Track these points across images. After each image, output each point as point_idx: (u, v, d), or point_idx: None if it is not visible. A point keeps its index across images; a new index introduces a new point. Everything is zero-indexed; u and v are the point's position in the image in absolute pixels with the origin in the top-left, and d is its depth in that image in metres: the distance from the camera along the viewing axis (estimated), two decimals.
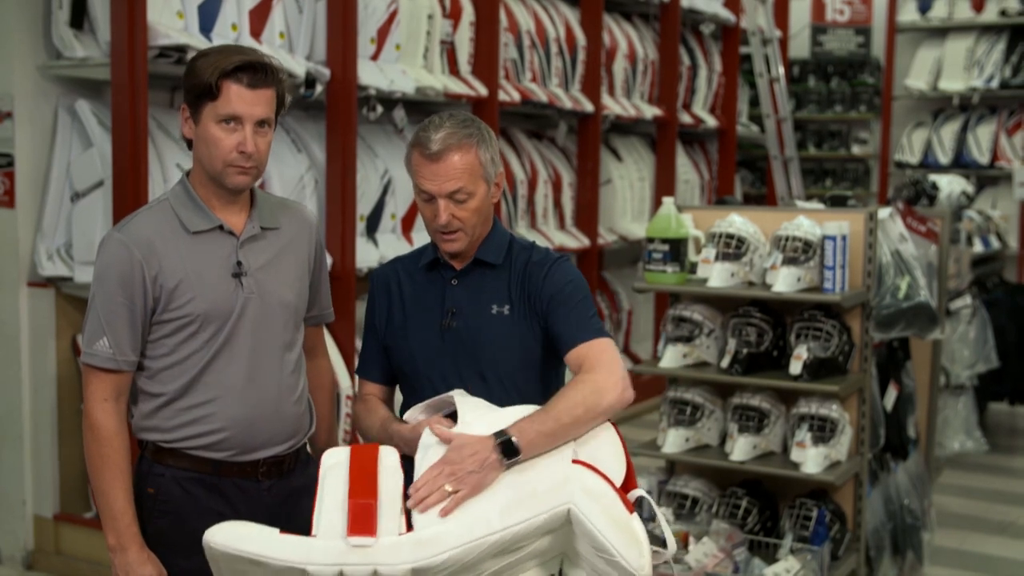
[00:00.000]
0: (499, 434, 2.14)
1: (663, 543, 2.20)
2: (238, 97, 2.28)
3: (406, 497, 2.08)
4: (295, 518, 2.26)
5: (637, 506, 2.16)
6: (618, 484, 2.13)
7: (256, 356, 2.38)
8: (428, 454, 2.16)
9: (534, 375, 2.42)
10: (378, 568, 1.99)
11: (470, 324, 2.41)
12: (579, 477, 2.08)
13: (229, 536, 2.04)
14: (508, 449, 2.13)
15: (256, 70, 2.29)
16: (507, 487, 2.08)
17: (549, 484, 2.07)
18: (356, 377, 2.63)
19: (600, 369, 2.26)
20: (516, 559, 2.10)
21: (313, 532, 2.04)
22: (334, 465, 2.12)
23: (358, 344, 4.77)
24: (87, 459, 2.36)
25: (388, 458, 2.13)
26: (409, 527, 2.05)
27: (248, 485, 2.40)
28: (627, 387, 2.26)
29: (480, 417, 2.23)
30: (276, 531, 2.05)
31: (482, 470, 2.10)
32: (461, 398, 2.28)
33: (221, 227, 2.37)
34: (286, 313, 2.43)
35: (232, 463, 2.38)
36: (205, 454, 2.37)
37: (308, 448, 2.58)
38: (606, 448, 2.17)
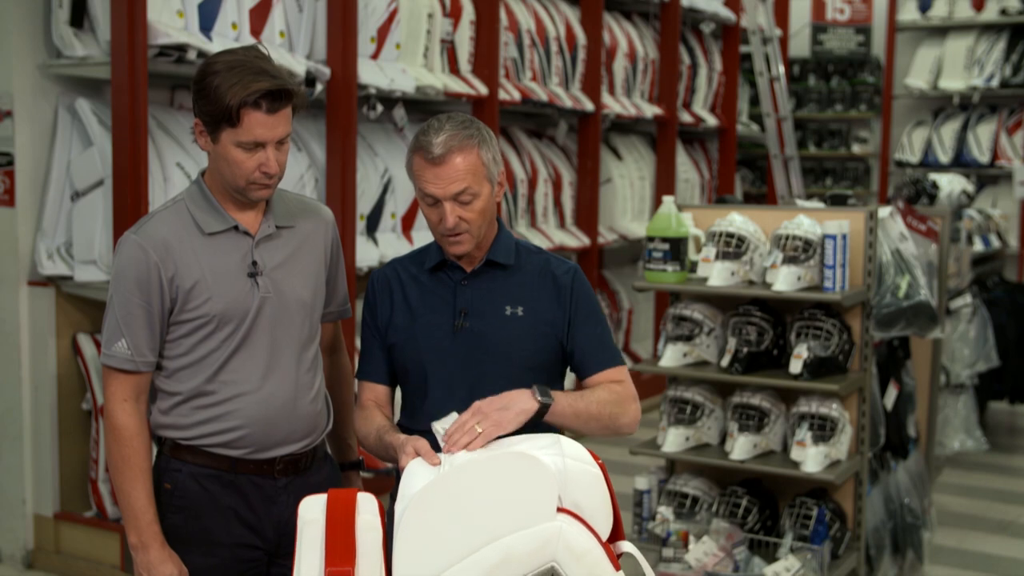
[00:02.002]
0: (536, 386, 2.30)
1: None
2: (260, 125, 2.27)
3: (387, 552, 2.05)
4: None
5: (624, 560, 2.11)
6: (605, 535, 2.07)
7: (273, 355, 2.38)
8: (413, 481, 2.12)
9: (541, 376, 2.42)
10: None
11: (484, 325, 2.41)
12: (562, 534, 2.02)
13: None
14: (543, 393, 2.28)
15: (276, 97, 2.27)
16: (489, 547, 2.02)
17: (532, 546, 2.01)
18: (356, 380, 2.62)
19: (629, 396, 2.44)
20: None
21: None
22: (310, 522, 2.07)
23: (357, 343, 4.76)
24: (108, 458, 2.38)
25: (366, 511, 2.08)
26: None
27: (264, 482, 2.41)
28: (639, 419, 2.45)
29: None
30: None
31: (510, 407, 2.23)
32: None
33: (236, 227, 2.38)
34: (302, 311, 2.44)
35: (249, 460, 2.39)
36: (222, 451, 2.38)
37: (327, 445, 2.58)
38: (594, 497, 2.10)
